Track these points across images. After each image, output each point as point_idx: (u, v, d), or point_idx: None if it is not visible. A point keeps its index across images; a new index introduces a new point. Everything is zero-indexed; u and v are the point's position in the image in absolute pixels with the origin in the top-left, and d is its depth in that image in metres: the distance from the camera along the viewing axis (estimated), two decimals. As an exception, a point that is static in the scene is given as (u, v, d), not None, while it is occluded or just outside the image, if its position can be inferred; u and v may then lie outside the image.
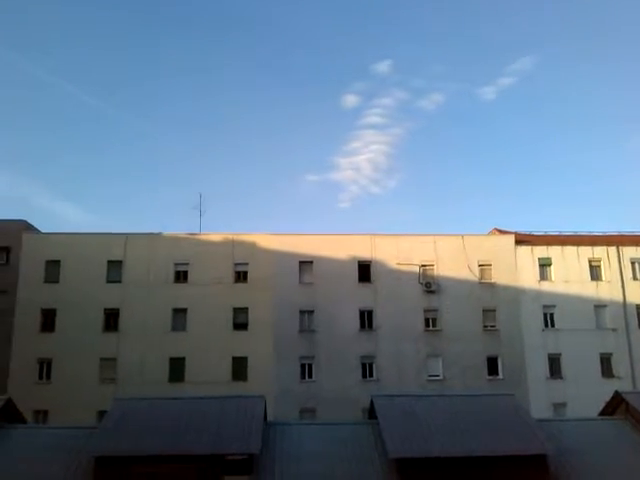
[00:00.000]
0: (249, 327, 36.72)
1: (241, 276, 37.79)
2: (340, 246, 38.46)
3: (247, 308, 37.00)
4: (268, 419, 18.76)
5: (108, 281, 36.99)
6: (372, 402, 18.57)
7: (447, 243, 39.07)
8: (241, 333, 36.57)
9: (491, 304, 38.05)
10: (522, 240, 40.20)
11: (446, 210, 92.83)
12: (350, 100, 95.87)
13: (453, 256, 38.71)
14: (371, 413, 18.79)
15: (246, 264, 37.81)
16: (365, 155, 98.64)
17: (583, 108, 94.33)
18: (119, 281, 37.02)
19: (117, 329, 36.26)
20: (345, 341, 36.64)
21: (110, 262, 37.24)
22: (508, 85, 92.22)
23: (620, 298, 38.61)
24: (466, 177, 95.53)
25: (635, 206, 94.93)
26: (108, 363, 35.44)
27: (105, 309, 36.48)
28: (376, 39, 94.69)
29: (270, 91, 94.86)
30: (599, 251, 39.59)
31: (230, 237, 38.35)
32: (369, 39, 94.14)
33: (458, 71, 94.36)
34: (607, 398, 19.73)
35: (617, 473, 15.73)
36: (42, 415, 33.59)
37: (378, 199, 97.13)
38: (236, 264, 37.78)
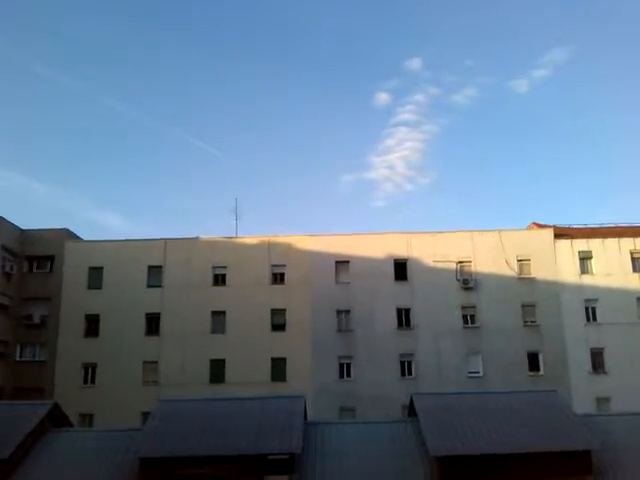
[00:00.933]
0: (287, 328, 37.01)
1: (278, 278, 38.11)
2: (376, 245, 38.45)
3: (285, 309, 37.29)
4: (308, 418, 18.92)
5: (149, 286, 37.74)
6: (412, 400, 18.57)
7: (484, 239, 38.65)
8: (279, 334, 36.87)
9: (531, 299, 37.49)
10: (561, 234, 39.51)
11: (483, 206, 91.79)
12: (382, 98, 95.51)
13: (491, 252, 38.29)
14: (411, 411, 18.80)
15: (283, 266, 38.12)
16: (399, 153, 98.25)
17: (621, 98, 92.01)
18: (159, 285, 37.73)
19: (158, 333, 36.95)
20: (383, 339, 36.61)
21: (150, 267, 38.00)
22: (542, 77, 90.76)
23: (665, 290, 37.63)
24: (502, 172, 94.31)
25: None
26: (150, 366, 36.17)
27: (147, 313, 37.23)
28: (405, 36, 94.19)
29: (303, 92, 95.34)
30: (642, 243, 38.63)
31: (266, 239, 38.72)
32: (398, 36, 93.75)
33: (489, 65, 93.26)
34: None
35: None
36: (88, 418, 34.45)
37: (413, 197, 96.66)
38: (273, 266, 38.13)
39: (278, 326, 37.12)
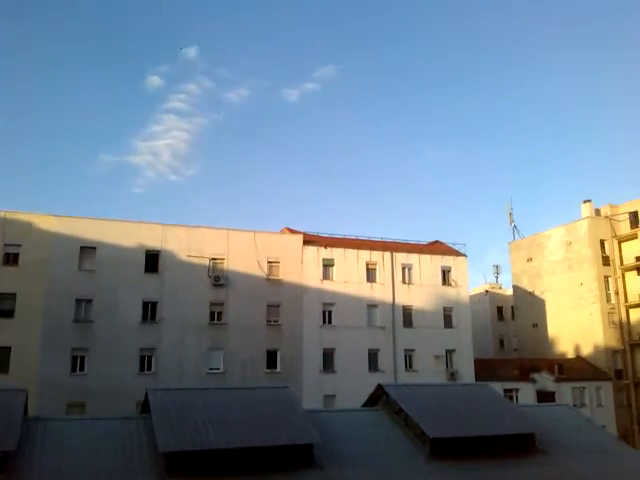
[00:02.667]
0: (16, 314, 33.41)
1: (11, 258, 34.25)
2: (128, 233, 36.74)
3: (15, 294, 33.64)
4: (30, 414, 17.20)
5: None
6: (146, 395, 17.95)
7: (239, 238, 39.40)
8: (5, 321, 33.12)
9: (276, 300, 39.19)
10: (310, 240, 42.07)
11: (241, 205, 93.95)
12: (154, 82, 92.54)
13: (244, 251, 39.15)
14: (145, 407, 18.15)
15: (18, 245, 34.38)
16: (165, 140, 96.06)
17: (379, 120, 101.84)
18: None
19: None
20: (125, 332, 35.08)
21: None
22: (311, 90, 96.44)
23: (390, 299, 42.28)
24: (264, 174, 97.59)
25: (409, 217, 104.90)
26: None
27: None
28: (185, 22, 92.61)
29: (64, 60, 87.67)
30: (376, 255, 42.90)
31: (1, 215, 34.54)
32: (177, 21, 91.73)
33: (265, 69, 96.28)
34: (372, 390, 21.36)
35: (373, 457, 17.08)
36: None
37: (175, 187, 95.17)
38: (6, 245, 34.19)
39: (5, 312, 33.33)
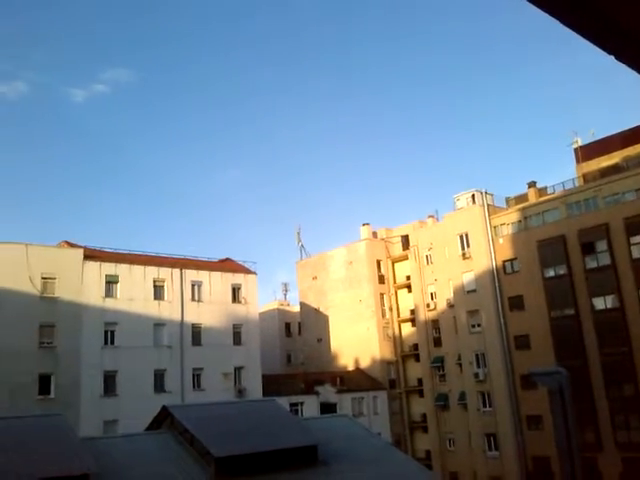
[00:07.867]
0: None
1: None
2: None
3: None
4: None
5: None
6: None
7: (8, 252, 35.39)
8: None
9: (51, 319, 35.82)
10: (91, 255, 39.32)
11: (9, 216, 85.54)
12: None
13: (14, 266, 35.21)
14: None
15: None
16: None
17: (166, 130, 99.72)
18: None
19: None
20: None
21: None
22: (101, 92, 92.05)
23: (178, 317, 41.11)
24: (39, 182, 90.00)
25: (202, 234, 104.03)
26: None
27: None
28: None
29: None
30: (164, 272, 41.47)
31: None
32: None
33: (54, 65, 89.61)
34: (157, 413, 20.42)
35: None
36: None
37: None
38: None
39: None
